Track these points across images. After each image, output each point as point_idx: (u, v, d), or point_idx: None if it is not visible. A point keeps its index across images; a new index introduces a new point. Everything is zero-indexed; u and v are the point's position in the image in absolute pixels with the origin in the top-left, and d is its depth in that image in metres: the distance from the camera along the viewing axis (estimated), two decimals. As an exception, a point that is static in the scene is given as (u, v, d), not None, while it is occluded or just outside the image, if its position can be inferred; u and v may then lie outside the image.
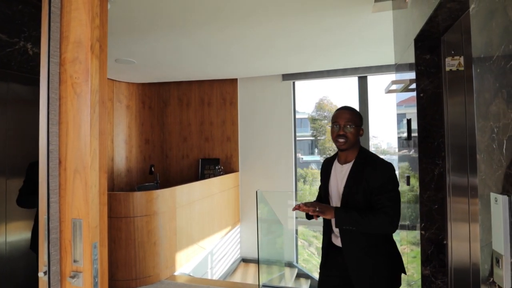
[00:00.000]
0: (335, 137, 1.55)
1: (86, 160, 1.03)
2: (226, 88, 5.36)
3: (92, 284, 1.02)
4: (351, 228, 1.46)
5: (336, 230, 1.60)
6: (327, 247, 1.65)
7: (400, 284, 1.58)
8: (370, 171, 1.48)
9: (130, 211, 3.05)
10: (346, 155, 1.58)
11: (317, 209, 1.44)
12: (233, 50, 3.73)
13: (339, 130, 1.53)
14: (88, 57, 1.04)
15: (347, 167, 1.56)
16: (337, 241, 1.60)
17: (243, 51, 3.79)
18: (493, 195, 0.88)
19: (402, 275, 1.63)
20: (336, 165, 1.63)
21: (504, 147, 0.84)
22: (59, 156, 1.06)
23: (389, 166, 1.51)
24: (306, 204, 1.47)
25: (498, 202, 0.85)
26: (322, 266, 1.66)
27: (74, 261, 1.04)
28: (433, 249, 1.80)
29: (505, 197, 0.82)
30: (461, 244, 1.73)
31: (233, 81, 5.33)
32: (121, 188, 4.92)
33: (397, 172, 1.77)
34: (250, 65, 4.50)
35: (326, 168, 1.71)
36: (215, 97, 5.42)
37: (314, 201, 1.60)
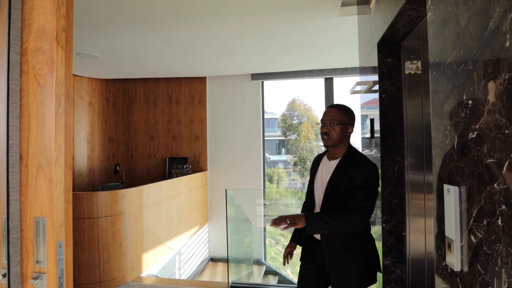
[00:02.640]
0: (321, 134, 1.60)
1: (51, 155, 0.98)
2: (194, 86, 5.30)
3: (57, 285, 0.98)
4: (324, 232, 1.49)
5: None
6: (307, 240, 1.68)
7: (375, 281, 1.63)
8: (354, 169, 1.52)
9: (93, 212, 2.92)
10: (335, 151, 1.62)
11: (288, 222, 1.44)
12: (201, 47, 3.69)
13: (323, 127, 1.58)
14: (53, 47, 0.99)
15: (334, 163, 1.60)
16: (315, 234, 1.65)
17: (211, 49, 3.77)
18: (446, 187, 0.96)
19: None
20: (324, 160, 1.68)
21: (456, 142, 0.92)
22: (20, 152, 1.00)
23: (373, 166, 1.57)
24: (275, 220, 1.45)
25: (450, 192, 0.94)
26: (302, 259, 1.70)
27: (37, 262, 0.99)
28: (393, 240, 1.92)
29: (456, 188, 0.91)
30: (418, 237, 1.87)
31: (202, 80, 5.28)
32: (83, 189, 4.68)
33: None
34: (218, 64, 4.49)
35: (315, 163, 1.75)
36: (183, 95, 5.33)
37: (285, 215, 1.54)
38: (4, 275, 0.98)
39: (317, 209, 1.65)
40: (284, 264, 1.76)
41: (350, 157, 1.58)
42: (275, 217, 1.64)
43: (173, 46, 3.64)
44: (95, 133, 5.10)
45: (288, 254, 1.78)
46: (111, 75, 5.10)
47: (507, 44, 0.67)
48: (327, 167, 1.63)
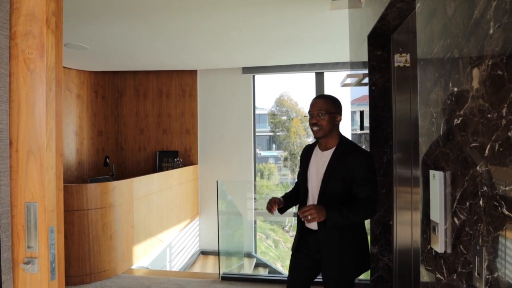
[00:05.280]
0: (310, 126, 1.61)
1: (42, 140, 0.98)
2: (185, 80, 5.26)
3: (49, 270, 0.98)
4: (341, 224, 1.50)
5: None
6: (301, 230, 1.69)
7: (368, 268, 1.67)
8: (352, 160, 1.53)
9: (83, 204, 2.89)
10: (326, 142, 1.62)
11: (313, 215, 1.42)
12: (192, 40, 3.67)
13: (312, 119, 1.58)
14: (43, 31, 0.98)
15: (328, 153, 1.60)
16: (310, 224, 1.64)
17: (203, 42, 3.75)
18: (431, 172, 1.00)
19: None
20: (317, 151, 1.67)
21: (441, 129, 0.96)
22: (9, 137, 0.99)
23: (370, 155, 1.59)
24: (306, 213, 1.42)
25: (436, 177, 0.97)
26: (294, 249, 1.70)
27: (28, 247, 0.98)
28: (381, 229, 1.97)
29: (441, 173, 0.95)
30: (404, 227, 1.92)
31: (193, 73, 5.25)
32: (71, 182, 4.62)
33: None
34: (210, 57, 4.47)
35: (306, 154, 1.73)
36: (174, 89, 5.29)
37: (311, 205, 1.50)
38: (-6, 261, 0.97)
39: (310, 200, 1.65)
40: (271, 205, 1.63)
41: (344, 147, 1.59)
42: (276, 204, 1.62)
43: (164, 39, 3.60)
44: (84, 126, 5.03)
45: (277, 203, 1.65)
46: (100, 67, 5.02)
47: (491, 31, 0.70)
48: (321, 158, 1.63)
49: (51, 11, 1.00)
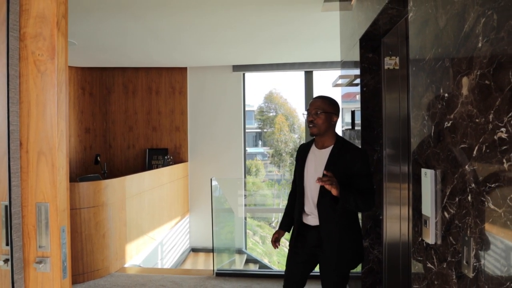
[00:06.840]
0: (307, 123, 1.68)
1: (53, 141, 1.00)
2: (175, 77, 5.24)
3: (61, 269, 1.01)
4: (349, 207, 1.57)
5: (308, 210, 1.71)
6: (299, 227, 1.75)
7: (362, 260, 1.76)
8: (350, 157, 1.62)
9: (75, 203, 2.87)
10: (323, 140, 1.69)
11: (331, 184, 1.48)
12: (183, 37, 3.67)
13: (309, 117, 1.65)
14: (54, 33, 1.00)
15: (327, 151, 1.67)
16: (307, 219, 1.72)
17: (194, 39, 3.75)
18: (423, 170, 1.08)
19: None
20: (314, 149, 1.73)
21: (432, 131, 1.04)
22: (20, 138, 1.00)
23: (365, 152, 1.70)
24: (323, 178, 1.49)
25: (427, 175, 1.05)
26: (293, 245, 1.76)
27: (39, 246, 1.01)
28: (371, 224, 2.07)
29: (432, 171, 1.03)
30: (393, 221, 2.02)
31: (183, 70, 5.23)
32: (59, 181, 4.54)
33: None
34: (200, 54, 4.47)
35: (302, 153, 1.79)
36: (163, 86, 5.27)
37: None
38: (5, 261, 0.99)
39: (308, 198, 1.71)
40: (275, 247, 1.85)
41: (341, 145, 1.67)
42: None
43: (155, 36, 3.59)
44: (71, 124, 4.95)
45: (276, 240, 1.85)
46: (87, 63, 4.93)
47: (480, 44, 0.78)
48: (320, 156, 1.69)
49: (61, 13, 1.02)
